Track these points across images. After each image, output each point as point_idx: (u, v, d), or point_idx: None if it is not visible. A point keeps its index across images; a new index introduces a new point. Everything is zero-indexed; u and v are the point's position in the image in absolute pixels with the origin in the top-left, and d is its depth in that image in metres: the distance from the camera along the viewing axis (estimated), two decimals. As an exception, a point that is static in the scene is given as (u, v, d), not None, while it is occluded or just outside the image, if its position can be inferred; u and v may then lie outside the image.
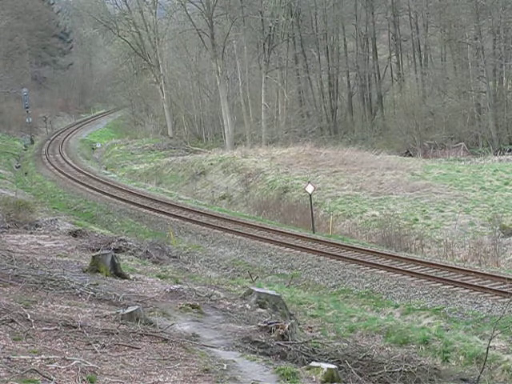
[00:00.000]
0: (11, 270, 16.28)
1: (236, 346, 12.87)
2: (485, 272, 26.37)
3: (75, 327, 12.05)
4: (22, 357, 10.15)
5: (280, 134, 70.25)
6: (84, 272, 18.06)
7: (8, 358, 9.96)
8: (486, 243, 32.19)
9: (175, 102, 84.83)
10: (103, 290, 15.66)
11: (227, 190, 50.43)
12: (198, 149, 71.29)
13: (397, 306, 23.89)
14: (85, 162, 66.19)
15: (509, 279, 24.47)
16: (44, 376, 9.48)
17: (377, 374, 13.27)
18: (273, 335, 13.68)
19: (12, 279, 15.30)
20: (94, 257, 18.70)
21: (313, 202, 37.21)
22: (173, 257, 28.37)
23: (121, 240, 26.35)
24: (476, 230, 35.31)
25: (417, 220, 37.77)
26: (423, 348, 18.50)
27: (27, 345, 10.85)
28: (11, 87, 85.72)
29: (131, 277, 18.62)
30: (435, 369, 14.67)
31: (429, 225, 36.91)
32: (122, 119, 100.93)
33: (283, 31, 74.22)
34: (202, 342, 12.86)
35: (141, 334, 12.28)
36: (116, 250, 23.21)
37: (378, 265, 27.98)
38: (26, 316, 12.07)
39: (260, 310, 16.28)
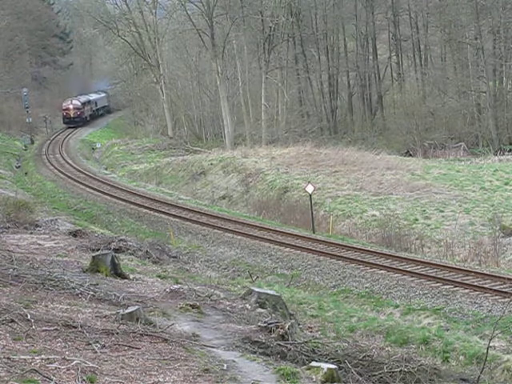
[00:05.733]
0: (11, 270, 16.28)
1: (236, 346, 12.87)
2: (485, 272, 26.38)
3: (75, 327, 12.06)
4: (22, 357, 10.16)
5: (280, 134, 70.23)
6: (84, 272, 18.06)
7: (8, 358, 9.96)
8: (485, 243, 32.20)
9: (175, 101, 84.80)
10: (103, 290, 15.66)
11: (227, 190, 50.42)
12: (198, 149, 71.26)
13: (397, 306, 23.89)
14: (85, 162, 66.17)
15: (509, 279, 24.50)
16: (44, 376, 9.49)
17: (377, 373, 13.27)
18: (273, 335, 13.68)
19: (12, 279, 15.30)
20: (94, 257, 18.70)
21: (313, 202, 37.20)
22: (173, 257, 28.37)
23: (121, 240, 26.33)
24: (476, 230, 35.32)
25: (417, 220, 37.77)
26: (423, 348, 18.51)
27: (27, 345, 10.85)
28: (11, 87, 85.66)
29: (131, 277, 18.62)
30: (435, 369, 14.67)
31: (429, 225, 36.92)
32: (122, 119, 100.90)
33: (283, 31, 74.19)
34: (202, 341, 12.87)
35: (141, 334, 12.29)
36: (116, 250, 23.20)
37: (377, 265, 27.99)
38: (26, 316, 12.08)
39: (260, 309, 16.28)
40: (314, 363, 11.86)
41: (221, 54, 70.37)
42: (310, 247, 31.33)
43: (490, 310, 22.45)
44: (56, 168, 60.93)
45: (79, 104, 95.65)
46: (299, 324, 17.81)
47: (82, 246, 23.26)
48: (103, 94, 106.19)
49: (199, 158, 58.93)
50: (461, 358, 18.03)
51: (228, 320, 14.94)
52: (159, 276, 19.94)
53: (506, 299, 22.51)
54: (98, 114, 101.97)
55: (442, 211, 38.94)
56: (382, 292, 25.52)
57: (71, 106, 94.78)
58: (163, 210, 41.03)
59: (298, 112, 79.45)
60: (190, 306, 15.34)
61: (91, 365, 10.27)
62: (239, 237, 34.28)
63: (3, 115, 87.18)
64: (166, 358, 11.31)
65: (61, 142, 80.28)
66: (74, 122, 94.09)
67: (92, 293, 15.15)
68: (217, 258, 31.62)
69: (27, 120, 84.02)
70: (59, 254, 20.90)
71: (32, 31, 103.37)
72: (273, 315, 15.63)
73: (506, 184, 44.20)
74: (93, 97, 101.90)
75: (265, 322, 14.33)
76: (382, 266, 27.82)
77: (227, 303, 16.63)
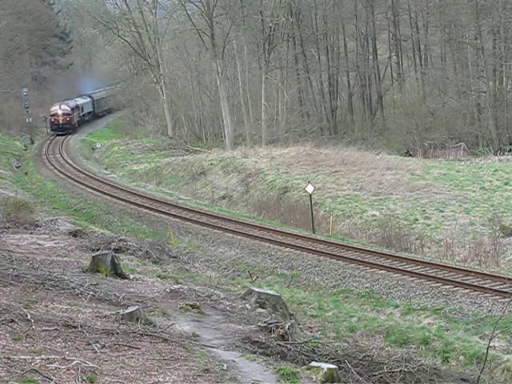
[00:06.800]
0: (11, 270, 16.28)
1: (236, 346, 12.87)
2: (485, 272, 26.38)
3: (75, 327, 12.06)
4: (22, 357, 10.17)
5: (280, 133, 70.22)
6: (84, 272, 18.07)
7: (8, 358, 9.97)
8: (486, 243, 32.20)
9: (175, 101, 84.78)
10: (103, 290, 15.67)
11: (227, 190, 50.43)
12: (198, 149, 71.24)
13: (397, 306, 23.90)
14: (85, 162, 66.18)
15: (509, 279, 24.50)
16: (44, 376, 9.49)
17: (377, 373, 13.28)
18: (273, 335, 13.68)
19: (12, 279, 15.31)
20: (94, 257, 18.71)
21: (313, 202, 37.20)
22: (173, 257, 28.38)
23: (121, 240, 26.34)
24: (476, 230, 35.33)
25: (417, 220, 37.77)
26: (423, 348, 18.51)
27: (27, 345, 10.86)
28: (11, 87, 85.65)
29: (131, 277, 18.63)
30: (435, 369, 14.67)
31: (429, 225, 36.92)
32: (122, 119, 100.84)
33: (283, 31, 74.19)
34: (202, 341, 12.87)
35: (141, 334, 12.29)
36: (116, 250, 23.21)
37: (377, 265, 27.99)
38: (26, 316, 12.08)
39: (260, 309, 16.28)
40: (313, 363, 11.86)
41: (221, 54, 70.36)
42: (310, 247, 31.33)
43: (490, 310, 22.45)
44: (56, 168, 60.93)
45: (69, 109, 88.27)
46: (299, 324, 17.81)
47: (82, 246, 23.27)
48: (88, 99, 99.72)
49: (199, 158, 58.93)
50: (461, 357, 18.03)
51: (228, 320, 14.94)
52: (159, 276, 19.94)
53: (506, 299, 22.53)
54: (84, 120, 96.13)
55: (442, 211, 38.94)
56: (382, 292, 25.52)
57: (60, 112, 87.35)
58: (163, 210, 41.03)
59: (298, 112, 79.43)
60: (190, 305, 15.35)
61: (91, 365, 10.27)
62: (239, 237, 34.28)
63: (3, 115, 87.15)
64: (166, 357, 11.31)
65: (61, 142, 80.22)
66: (63, 128, 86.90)
67: (92, 293, 15.16)
68: (217, 258, 31.62)
69: (27, 120, 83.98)
70: (59, 254, 20.91)
71: (32, 31, 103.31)
72: (273, 315, 15.63)
73: (506, 184, 44.20)
74: (79, 101, 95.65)
75: (265, 322, 14.33)
76: (382, 265, 27.82)
77: (227, 303, 16.64)
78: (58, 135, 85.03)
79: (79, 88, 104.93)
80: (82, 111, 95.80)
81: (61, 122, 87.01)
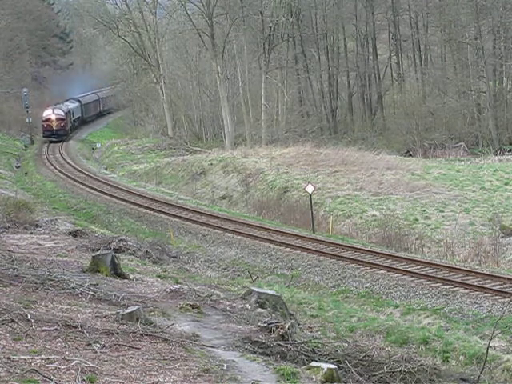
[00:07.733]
0: (11, 270, 16.28)
1: (236, 346, 12.87)
2: (485, 272, 26.39)
3: (75, 327, 12.06)
4: (22, 357, 10.17)
5: (280, 133, 70.22)
6: (84, 272, 18.07)
7: (8, 358, 9.97)
8: (486, 243, 32.21)
9: (175, 101, 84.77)
10: (103, 290, 15.67)
11: (227, 190, 50.43)
12: (198, 149, 71.23)
13: (397, 306, 23.90)
14: (85, 162, 66.17)
15: (509, 279, 24.51)
16: (44, 376, 9.49)
17: (377, 373, 13.28)
18: (273, 335, 13.68)
19: (12, 279, 15.30)
20: (94, 257, 18.71)
21: (313, 202, 37.20)
22: (173, 257, 28.39)
23: (121, 240, 26.34)
24: (476, 230, 35.33)
25: (417, 220, 37.78)
26: (423, 348, 18.52)
27: (27, 345, 10.86)
28: (11, 87, 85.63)
29: (131, 277, 18.63)
30: (435, 369, 14.67)
31: (429, 225, 36.93)
32: (122, 119, 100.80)
33: (283, 31, 74.21)
34: (202, 341, 12.87)
35: (141, 334, 12.29)
36: (116, 250, 23.21)
37: (377, 265, 28.00)
38: (26, 316, 12.08)
39: (260, 309, 16.28)
40: (313, 363, 11.86)
41: (221, 54, 70.37)
42: (310, 247, 31.33)
43: (490, 310, 22.46)
44: (56, 168, 60.93)
45: (63, 114, 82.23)
46: (299, 324, 17.80)
47: (81, 246, 23.27)
48: (77, 103, 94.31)
49: (199, 158, 58.94)
50: (461, 357, 18.03)
51: (228, 320, 14.94)
52: (159, 276, 19.94)
53: (506, 299, 22.53)
54: (75, 126, 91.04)
55: (442, 211, 38.95)
56: (382, 292, 25.53)
57: (53, 117, 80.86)
58: (163, 210, 41.03)
59: (298, 112, 79.42)
60: (190, 305, 15.35)
61: (91, 365, 10.28)
62: (239, 237, 34.28)
63: (3, 115, 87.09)
64: (166, 357, 11.31)
65: (61, 142, 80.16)
66: (57, 135, 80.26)
67: (92, 293, 15.16)
68: (217, 258, 31.62)
69: (27, 120, 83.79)
70: (59, 254, 20.90)
71: (32, 31, 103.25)
72: (273, 315, 15.63)
73: (506, 184, 44.20)
74: (70, 106, 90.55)
75: (265, 322, 14.33)
76: (382, 266, 27.83)
77: (227, 303, 16.63)
78: (51, 142, 79.24)
79: (68, 90, 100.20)
80: (73, 116, 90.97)
81: (54, 127, 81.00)
